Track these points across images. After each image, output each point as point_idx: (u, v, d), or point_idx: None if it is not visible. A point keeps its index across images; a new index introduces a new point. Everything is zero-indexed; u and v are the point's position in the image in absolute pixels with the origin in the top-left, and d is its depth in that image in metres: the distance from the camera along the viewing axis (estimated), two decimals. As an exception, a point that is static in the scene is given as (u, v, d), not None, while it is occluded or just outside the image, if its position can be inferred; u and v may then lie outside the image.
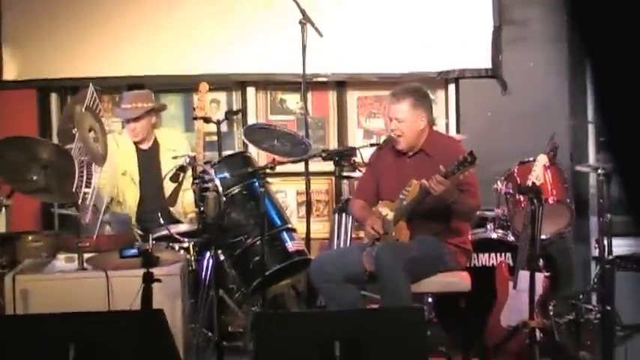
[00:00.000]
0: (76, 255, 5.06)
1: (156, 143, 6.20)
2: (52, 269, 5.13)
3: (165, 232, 5.42)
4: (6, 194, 5.61)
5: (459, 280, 5.22)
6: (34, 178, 5.11)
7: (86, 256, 5.01)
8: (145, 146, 6.21)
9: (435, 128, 5.55)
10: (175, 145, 6.16)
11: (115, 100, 7.05)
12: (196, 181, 5.15)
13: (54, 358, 4.11)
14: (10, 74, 6.98)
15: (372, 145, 5.91)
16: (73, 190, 4.87)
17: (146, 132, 6.17)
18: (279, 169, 5.44)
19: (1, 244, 5.66)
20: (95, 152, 5.06)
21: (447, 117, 7.01)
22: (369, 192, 5.45)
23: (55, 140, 6.31)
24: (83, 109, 5.00)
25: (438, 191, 4.88)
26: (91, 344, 4.13)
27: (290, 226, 5.59)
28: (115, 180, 6.01)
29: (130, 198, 6.11)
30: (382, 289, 5.03)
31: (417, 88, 5.35)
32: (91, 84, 5.14)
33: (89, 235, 5.07)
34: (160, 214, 5.58)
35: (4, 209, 5.58)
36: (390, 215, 5.16)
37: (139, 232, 5.95)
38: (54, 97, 7.19)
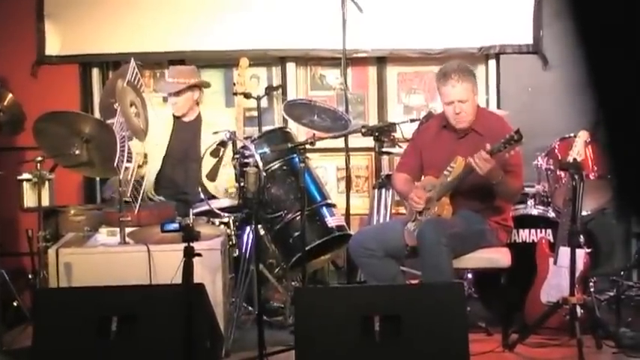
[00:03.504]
0: (118, 229, 5.07)
1: (199, 117, 6.18)
2: (95, 243, 5.15)
3: (205, 207, 5.42)
4: (49, 168, 5.65)
5: (499, 256, 5.18)
6: (77, 152, 5.14)
7: (128, 230, 5.03)
8: (186, 119, 6.19)
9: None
10: (216, 120, 6.13)
11: (156, 75, 7.07)
12: (236, 156, 5.13)
13: (96, 330, 4.13)
14: (52, 49, 7.00)
15: (412, 120, 5.88)
16: (115, 164, 4.87)
17: (188, 107, 6.14)
18: (318, 144, 5.41)
19: (45, 217, 5.68)
20: (136, 127, 5.06)
21: (487, 93, 6.96)
22: (413, 166, 5.40)
23: (97, 115, 6.33)
24: (125, 84, 4.99)
25: (483, 169, 4.82)
26: (132, 317, 4.16)
27: (330, 201, 5.57)
28: (145, 149, 5.98)
29: (153, 165, 6.08)
30: (423, 265, 4.99)
31: (467, 67, 5.26)
32: (132, 59, 5.13)
33: (131, 210, 5.08)
34: (200, 190, 5.58)
35: (47, 183, 5.61)
36: (434, 191, 5.12)
37: (158, 197, 6.01)
38: (96, 72, 7.20)
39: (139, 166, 5.62)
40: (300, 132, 6.31)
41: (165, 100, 6.49)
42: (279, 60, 7.12)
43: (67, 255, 4.93)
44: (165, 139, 6.13)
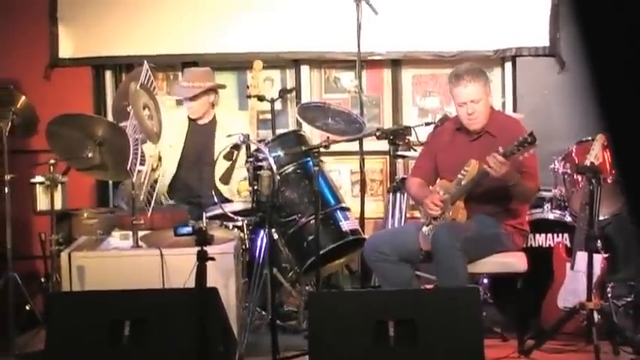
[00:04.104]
0: (130, 232, 5.08)
1: (213, 120, 6.18)
2: (107, 246, 5.16)
3: (219, 211, 5.42)
4: (62, 171, 5.67)
5: (515, 261, 5.16)
6: (89, 155, 5.16)
7: (141, 233, 5.04)
8: (201, 122, 6.19)
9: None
10: (229, 123, 6.13)
11: (169, 77, 7.08)
12: (250, 159, 5.13)
13: (109, 334, 4.14)
14: (65, 52, 7.02)
15: (427, 123, 5.88)
16: (128, 167, 4.88)
17: (203, 111, 6.13)
18: (333, 147, 5.42)
19: (58, 221, 5.70)
20: (149, 130, 5.07)
21: (503, 96, 6.94)
22: (427, 170, 5.39)
23: (110, 118, 6.35)
24: (138, 87, 5.01)
25: (499, 172, 4.81)
26: (145, 321, 4.17)
27: (344, 205, 5.57)
28: (159, 152, 5.98)
29: (167, 168, 6.09)
30: (438, 269, 4.99)
31: (479, 67, 5.28)
32: (145, 61, 5.14)
33: (144, 213, 5.08)
34: (213, 193, 5.59)
35: (60, 186, 5.63)
36: (448, 195, 5.11)
37: (171, 201, 6.02)
38: (109, 75, 7.22)
39: (153, 169, 5.63)
40: (314, 135, 6.30)
41: (178, 102, 6.50)
42: (293, 62, 7.12)
43: (79, 258, 4.95)
44: (180, 141, 6.13)
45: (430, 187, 5.33)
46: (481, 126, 5.21)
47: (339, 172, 7.06)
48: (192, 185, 6.11)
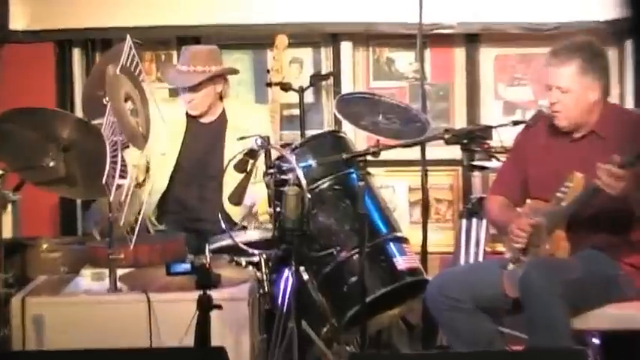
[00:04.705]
0: (106, 270, 5.09)
1: (222, 117, 6.21)
2: (75, 289, 5.19)
3: (228, 241, 5.43)
4: (13, 186, 5.68)
5: (636, 313, 5.13)
6: (51, 164, 5.17)
7: (120, 272, 5.04)
8: (206, 120, 6.20)
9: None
10: (242, 121, 6.15)
11: (160, 58, 7.10)
12: (271, 171, 5.13)
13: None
14: (19, 23, 7.08)
15: (515, 123, 5.83)
16: (103, 181, 4.89)
17: (208, 104, 6.16)
18: (384, 155, 5.40)
19: (7, 253, 5.71)
20: (133, 130, 5.08)
21: (621, 84, 6.91)
22: (513, 187, 5.40)
23: (80, 113, 6.37)
24: (118, 71, 5.03)
25: (616, 189, 4.76)
26: (127, 392, 4.17)
27: (399, 234, 5.56)
28: (147, 161, 6.01)
29: (157, 183, 6.12)
30: (530, 322, 4.97)
31: (588, 44, 5.22)
32: (128, 36, 5.15)
33: (125, 244, 5.09)
34: (220, 216, 5.60)
35: (10, 206, 5.65)
36: (544, 220, 5.08)
37: (157, 225, 6.10)
38: (77, 54, 7.27)
39: (138, 185, 5.65)
40: (358, 138, 6.32)
41: (173, 93, 6.51)
42: (330, 38, 7.14)
43: (37, 305, 4.97)
44: (175, 146, 6.15)
45: (518, 209, 5.31)
46: (566, 125, 5.17)
47: (394, 189, 7.09)
48: (191, 206, 6.14)
